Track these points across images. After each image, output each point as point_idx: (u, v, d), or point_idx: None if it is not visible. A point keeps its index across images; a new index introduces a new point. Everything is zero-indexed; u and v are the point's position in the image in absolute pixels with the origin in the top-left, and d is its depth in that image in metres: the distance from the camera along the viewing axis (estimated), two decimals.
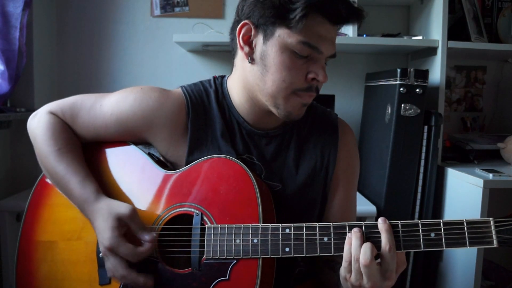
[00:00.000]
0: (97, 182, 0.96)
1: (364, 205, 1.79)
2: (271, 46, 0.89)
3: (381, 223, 0.80)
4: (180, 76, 2.18)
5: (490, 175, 1.57)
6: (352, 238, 0.80)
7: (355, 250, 0.79)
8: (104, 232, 0.87)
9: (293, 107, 0.93)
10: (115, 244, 0.86)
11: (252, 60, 0.93)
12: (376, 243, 0.79)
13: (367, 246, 0.78)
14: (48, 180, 1.02)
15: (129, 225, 0.89)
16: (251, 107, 0.99)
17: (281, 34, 0.88)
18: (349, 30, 1.94)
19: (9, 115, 1.77)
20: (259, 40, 0.91)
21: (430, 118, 1.75)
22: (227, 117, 1.02)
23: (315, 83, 0.91)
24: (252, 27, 0.91)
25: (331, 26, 0.88)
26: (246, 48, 0.93)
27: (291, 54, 0.88)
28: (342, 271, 0.81)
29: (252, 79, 0.94)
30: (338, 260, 0.96)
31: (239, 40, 0.93)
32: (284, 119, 0.96)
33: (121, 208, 0.89)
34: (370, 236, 0.81)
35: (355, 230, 0.81)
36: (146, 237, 0.88)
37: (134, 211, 0.89)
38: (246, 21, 0.92)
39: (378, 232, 0.80)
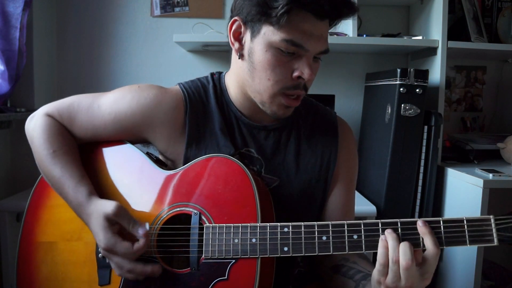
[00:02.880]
0: (93, 184, 0.95)
1: (364, 205, 1.78)
2: (258, 44, 0.90)
3: (423, 226, 0.78)
4: (180, 76, 2.16)
5: (490, 175, 1.57)
6: (388, 240, 0.78)
7: (393, 252, 0.77)
8: (98, 234, 0.87)
9: (278, 107, 0.93)
10: (111, 244, 0.86)
11: (241, 56, 0.94)
12: (411, 241, 0.78)
13: (406, 247, 0.76)
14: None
15: (119, 223, 0.88)
16: (246, 101, 1.00)
17: (266, 31, 0.88)
18: (349, 30, 1.93)
19: (9, 115, 1.77)
20: (247, 37, 0.92)
21: (430, 118, 1.75)
22: (225, 112, 1.02)
23: (302, 81, 0.91)
24: (241, 23, 0.92)
25: (317, 21, 0.87)
26: (236, 44, 0.94)
27: (276, 52, 0.88)
28: (376, 274, 0.79)
29: (242, 74, 0.95)
30: (347, 265, 0.96)
31: (230, 36, 0.94)
32: (271, 117, 0.97)
33: (107, 207, 0.88)
34: (405, 235, 0.80)
35: (388, 231, 0.79)
36: (139, 231, 0.87)
37: (121, 208, 0.88)
38: (236, 17, 0.92)
39: (412, 229, 0.79)
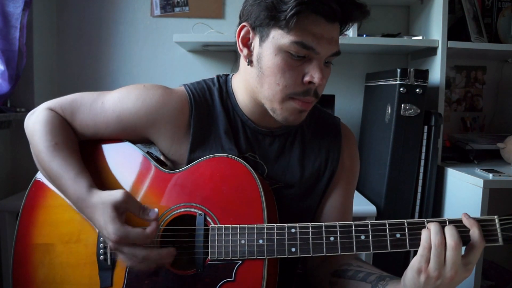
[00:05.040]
0: (93, 179, 0.93)
1: (364, 205, 1.79)
2: (267, 48, 0.88)
3: (468, 218, 0.80)
4: (180, 76, 2.17)
5: (490, 175, 1.58)
6: (431, 226, 0.78)
7: (435, 235, 0.77)
8: (106, 226, 0.84)
9: (289, 113, 0.91)
10: (123, 233, 0.83)
11: (250, 63, 0.93)
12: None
13: (453, 229, 0.77)
14: (43, 181, 0.99)
15: (128, 210, 0.87)
16: (254, 107, 0.99)
17: (275, 35, 0.86)
18: (349, 30, 1.93)
19: (9, 115, 1.77)
20: (256, 42, 0.91)
21: (430, 118, 1.75)
22: (231, 115, 1.01)
23: (312, 86, 0.89)
24: (250, 29, 0.91)
25: (327, 24, 0.85)
26: (245, 51, 0.93)
27: (286, 56, 0.86)
28: (417, 262, 0.77)
29: (252, 81, 0.94)
30: (353, 268, 0.95)
31: (239, 43, 0.93)
32: (283, 123, 0.95)
33: (114, 195, 0.86)
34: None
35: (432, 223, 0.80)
36: (150, 214, 0.86)
37: (128, 194, 0.86)
38: (245, 23, 0.91)
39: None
